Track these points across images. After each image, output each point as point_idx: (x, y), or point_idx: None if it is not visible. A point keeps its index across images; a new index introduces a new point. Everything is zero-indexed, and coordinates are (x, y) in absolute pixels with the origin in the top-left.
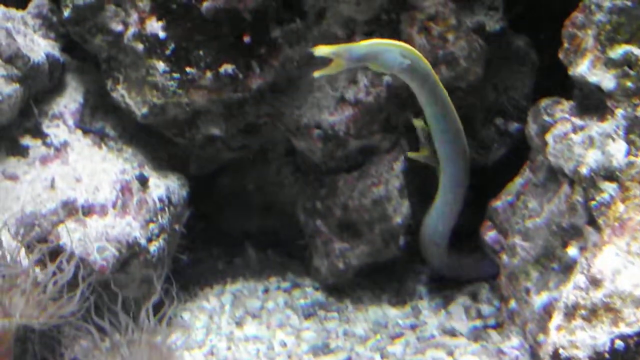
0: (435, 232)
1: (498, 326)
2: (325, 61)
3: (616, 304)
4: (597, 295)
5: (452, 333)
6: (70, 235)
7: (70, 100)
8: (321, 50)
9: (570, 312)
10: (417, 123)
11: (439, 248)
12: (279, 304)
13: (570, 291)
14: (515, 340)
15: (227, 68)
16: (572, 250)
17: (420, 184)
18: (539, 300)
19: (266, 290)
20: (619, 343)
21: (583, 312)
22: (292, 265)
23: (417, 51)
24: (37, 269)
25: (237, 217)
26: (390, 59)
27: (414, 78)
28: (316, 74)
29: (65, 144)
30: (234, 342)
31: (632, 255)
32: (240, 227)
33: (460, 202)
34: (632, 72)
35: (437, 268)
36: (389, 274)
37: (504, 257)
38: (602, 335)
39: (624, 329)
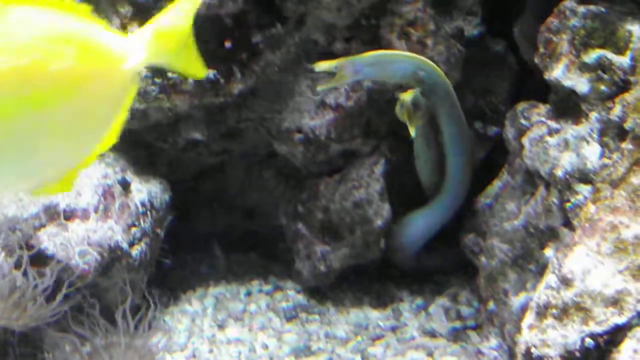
0: (413, 240)
1: (477, 327)
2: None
3: (586, 303)
4: (568, 294)
5: (432, 334)
6: (52, 239)
7: None
8: (322, 65)
9: (542, 312)
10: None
11: (409, 253)
12: (261, 307)
13: (542, 291)
14: (493, 341)
15: (209, 73)
16: (549, 252)
17: (401, 188)
18: (517, 301)
19: (248, 294)
20: (589, 341)
21: (554, 311)
22: (274, 268)
23: (434, 65)
24: (18, 274)
25: (220, 220)
26: (401, 69)
27: (433, 93)
28: (319, 87)
29: None
30: (216, 345)
31: (602, 255)
32: (223, 230)
33: (447, 221)
34: (605, 76)
35: (403, 266)
36: (370, 277)
37: (483, 259)
38: (573, 333)
39: (594, 327)
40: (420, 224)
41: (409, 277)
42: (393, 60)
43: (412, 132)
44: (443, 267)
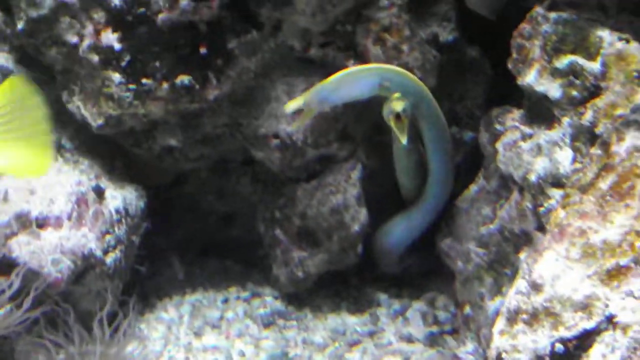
0: (397, 243)
1: (454, 332)
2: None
3: (556, 308)
4: (538, 299)
5: (409, 339)
6: (23, 248)
7: None
8: (292, 106)
9: (513, 317)
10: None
11: (394, 255)
12: (238, 314)
13: (512, 296)
14: (470, 346)
15: (184, 79)
16: (524, 256)
17: (378, 193)
18: (492, 305)
19: (226, 300)
20: (558, 346)
21: (524, 316)
22: (252, 275)
23: (402, 69)
24: None
25: (197, 227)
26: (367, 85)
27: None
28: (292, 127)
29: None
30: (192, 353)
31: (571, 260)
32: (201, 237)
33: (430, 223)
34: (577, 82)
35: (387, 269)
36: (348, 282)
37: (459, 263)
38: (542, 339)
39: (563, 332)
40: (404, 226)
41: (387, 281)
42: (356, 78)
43: (404, 139)
44: (427, 269)
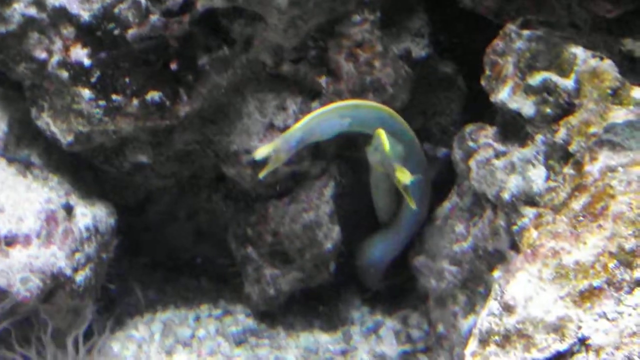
0: (379, 260)
1: (427, 350)
2: None
3: (528, 330)
4: (510, 321)
5: (382, 358)
6: None
7: None
8: (261, 152)
9: (485, 339)
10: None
11: (377, 272)
12: (210, 332)
13: (484, 317)
14: None
15: (154, 95)
16: (497, 274)
17: (350, 210)
18: (466, 324)
19: (197, 318)
20: None
21: (497, 338)
22: (224, 293)
23: (361, 101)
24: None
25: (169, 244)
26: (330, 126)
27: (369, 128)
28: (261, 175)
29: None
30: None
31: (544, 281)
32: (173, 254)
33: (410, 239)
34: (550, 99)
35: (370, 285)
36: (321, 300)
37: (432, 282)
38: None
39: (535, 354)
40: (386, 243)
41: (360, 299)
42: (319, 121)
43: (414, 205)
44: (408, 285)
